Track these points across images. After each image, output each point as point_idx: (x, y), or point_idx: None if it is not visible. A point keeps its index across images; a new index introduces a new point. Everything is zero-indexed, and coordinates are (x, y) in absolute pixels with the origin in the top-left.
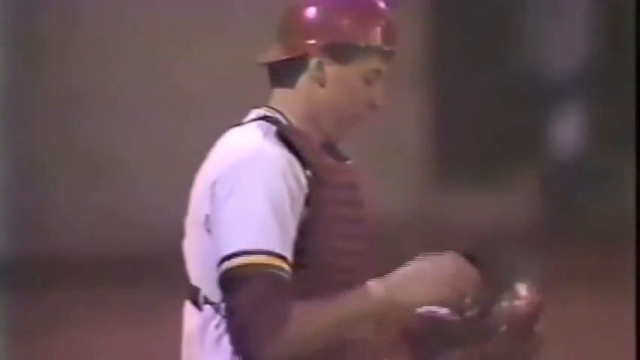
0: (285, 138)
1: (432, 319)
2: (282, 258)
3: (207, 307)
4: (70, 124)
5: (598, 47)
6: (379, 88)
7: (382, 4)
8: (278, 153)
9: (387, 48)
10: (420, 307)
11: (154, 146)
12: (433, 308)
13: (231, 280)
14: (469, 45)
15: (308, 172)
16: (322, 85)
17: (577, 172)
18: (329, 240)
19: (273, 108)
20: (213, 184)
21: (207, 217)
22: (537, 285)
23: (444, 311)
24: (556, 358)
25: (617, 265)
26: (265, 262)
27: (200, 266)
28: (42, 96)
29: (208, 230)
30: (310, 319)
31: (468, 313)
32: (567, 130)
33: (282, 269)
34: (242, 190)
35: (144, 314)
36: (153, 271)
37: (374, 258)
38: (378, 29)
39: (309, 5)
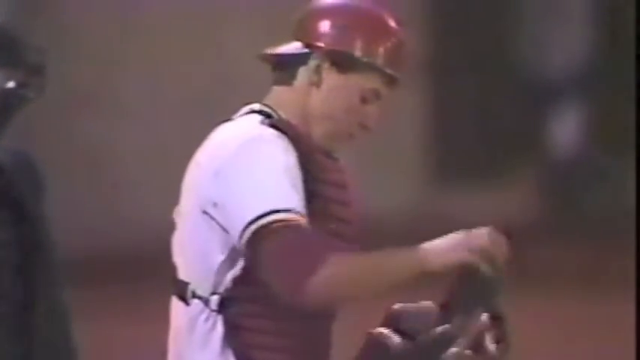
0: (280, 129)
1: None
2: (302, 215)
3: (195, 301)
4: (69, 123)
5: (598, 47)
6: (375, 110)
7: (394, 24)
8: (278, 135)
9: (389, 70)
10: (447, 269)
11: (154, 146)
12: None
13: (262, 239)
14: (468, 45)
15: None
16: (318, 87)
17: (577, 172)
18: None
19: (265, 104)
20: (218, 172)
21: (215, 204)
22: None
23: (396, 338)
24: (557, 356)
25: (617, 265)
26: (290, 218)
27: (192, 258)
28: (42, 96)
29: (212, 218)
30: (347, 265)
31: (423, 337)
32: (567, 130)
33: (305, 224)
34: (252, 165)
35: (144, 311)
36: (152, 270)
37: None
38: (382, 48)
39: (322, 10)
